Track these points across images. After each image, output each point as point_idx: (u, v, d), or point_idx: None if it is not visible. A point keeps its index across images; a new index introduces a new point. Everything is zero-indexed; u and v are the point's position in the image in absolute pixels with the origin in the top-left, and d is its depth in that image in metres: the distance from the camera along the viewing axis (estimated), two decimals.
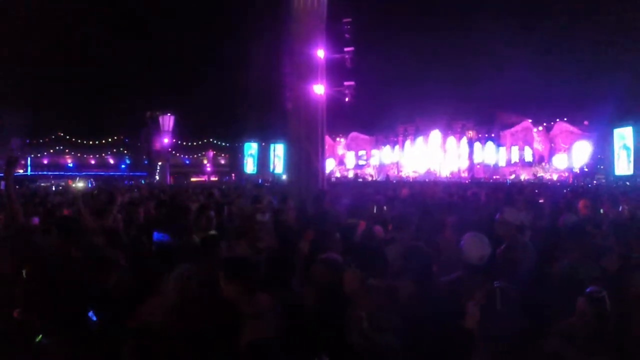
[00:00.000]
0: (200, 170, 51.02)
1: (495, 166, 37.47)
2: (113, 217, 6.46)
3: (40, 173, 46.82)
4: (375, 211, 6.43)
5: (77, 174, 45.87)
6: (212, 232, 5.60)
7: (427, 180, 31.86)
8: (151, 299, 3.36)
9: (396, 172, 39.68)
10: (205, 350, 2.94)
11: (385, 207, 6.63)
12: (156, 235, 4.99)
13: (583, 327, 2.97)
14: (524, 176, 34.10)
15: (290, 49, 12.74)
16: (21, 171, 46.75)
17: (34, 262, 3.99)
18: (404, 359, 2.98)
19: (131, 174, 48.12)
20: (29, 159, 48.55)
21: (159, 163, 43.73)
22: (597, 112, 30.89)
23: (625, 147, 30.14)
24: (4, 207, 4.85)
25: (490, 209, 7.38)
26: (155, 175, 42.93)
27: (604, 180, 28.56)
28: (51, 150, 51.77)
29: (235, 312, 2.98)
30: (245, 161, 44.67)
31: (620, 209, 8.03)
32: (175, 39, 41.58)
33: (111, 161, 52.92)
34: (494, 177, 35.32)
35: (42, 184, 33.71)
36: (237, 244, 4.89)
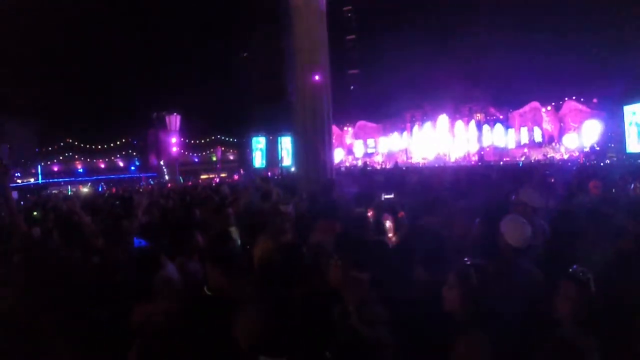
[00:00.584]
0: (210, 168, 51.11)
1: (505, 148, 37.24)
2: (138, 220, 6.44)
3: (51, 180, 47.17)
4: (383, 199, 6.36)
5: (87, 178, 46.23)
6: (232, 228, 5.58)
7: (436, 165, 31.74)
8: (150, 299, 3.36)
9: (405, 159, 39.56)
10: (204, 349, 2.92)
11: (393, 195, 6.56)
12: (135, 242, 5.00)
13: (571, 310, 2.82)
14: (535, 157, 33.84)
15: (292, 40, 12.68)
16: (32, 180, 47.16)
17: (38, 266, 4.01)
18: (402, 353, 2.92)
19: (141, 175, 48.35)
20: (39, 167, 48.93)
21: (161, 162, 43.90)
22: (606, 90, 30.53)
23: (636, 124, 29.77)
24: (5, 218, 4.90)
25: (501, 191, 7.33)
26: (165, 175, 43.08)
27: (615, 159, 28.23)
28: (61, 157, 52.14)
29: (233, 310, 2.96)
30: (253, 156, 44.66)
31: (632, 187, 7.95)
32: (177, 37, 41.51)
33: (121, 164, 53.22)
34: (504, 159, 35.12)
35: (54, 191, 33.98)
36: (260, 240, 4.69)
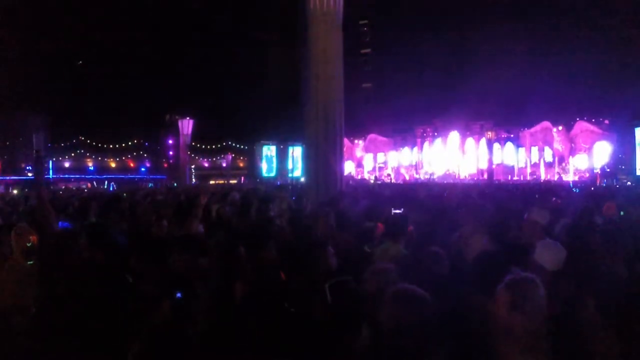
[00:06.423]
0: (220, 173, 51.21)
1: (515, 167, 37.07)
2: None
3: (61, 176, 47.45)
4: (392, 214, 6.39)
5: (97, 177, 46.51)
6: None
7: (445, 182, 31.64)
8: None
9: (415, 174, 39.48)
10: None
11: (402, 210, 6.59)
12: (60, 224, 5.22)
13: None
14: (545, 177, 33.66)
15: (307, 51, 12.76)
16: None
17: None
18: None
19: (151, 176, 48.57)
20: (50, 162, 49.19)
21: (164, 165, 44.15)
22: (618, 111, 30.41)
23: None
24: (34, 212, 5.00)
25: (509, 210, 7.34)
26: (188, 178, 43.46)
27: (627, 182, 28.00)
28: (72, 154, 52.36)
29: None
30: (262, 164, 44.61)
31: None
32: (194, 42, 41.83)
33: (131, 164, 53.38)
34: (514, 178, 34.95)
35: (62, 187, 34.27)
36: None
